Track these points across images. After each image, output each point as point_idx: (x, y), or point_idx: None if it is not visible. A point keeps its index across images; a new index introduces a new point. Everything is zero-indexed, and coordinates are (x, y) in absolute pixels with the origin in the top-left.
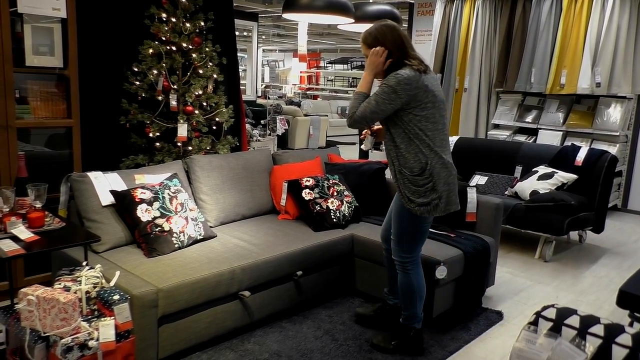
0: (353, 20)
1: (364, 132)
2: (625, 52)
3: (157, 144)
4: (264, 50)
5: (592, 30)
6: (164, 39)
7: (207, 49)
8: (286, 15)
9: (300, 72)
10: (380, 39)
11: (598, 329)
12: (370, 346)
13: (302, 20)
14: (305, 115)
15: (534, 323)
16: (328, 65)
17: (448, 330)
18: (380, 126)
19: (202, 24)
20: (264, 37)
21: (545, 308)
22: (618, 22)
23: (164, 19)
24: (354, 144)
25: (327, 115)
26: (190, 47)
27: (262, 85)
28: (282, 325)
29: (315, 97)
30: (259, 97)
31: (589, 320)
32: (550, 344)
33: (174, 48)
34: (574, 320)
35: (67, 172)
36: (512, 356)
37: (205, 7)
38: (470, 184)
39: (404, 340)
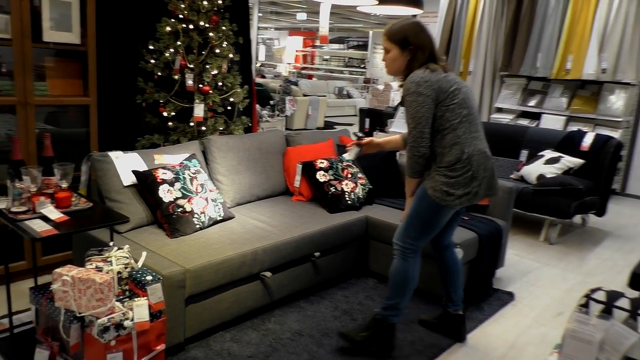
0: (377, 2)
1: (350, 143)
2: (632, 38)
3: (170, 123)
4: (259, 28)
5: (601, 16)
6: (181, 16)
7: (223, 28)
8: None
9: (296, 51)
10: (411, 40)
11: None
12: (338, 335)
13: (326, 1)
14: (304, 95)
15: (585, 305)
16: (324, 44)
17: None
18: (369, 139)
19: (220, 2)
20: (260, 14)
21: (593, 291)
22: (627, 9)
23: None
24: (351, 124)
25: (325, 96)
26: (207, 25)
27: (257, 64)
28: (300, 305)
29: (310, 77)
30: (256, 76)
31: (638, 303)
32: (603, 325)
33: (191, 26)
34: (624, 303)
35: (82, 150)
36: (566, 337)
37: None
38: None
39: (375, 333)
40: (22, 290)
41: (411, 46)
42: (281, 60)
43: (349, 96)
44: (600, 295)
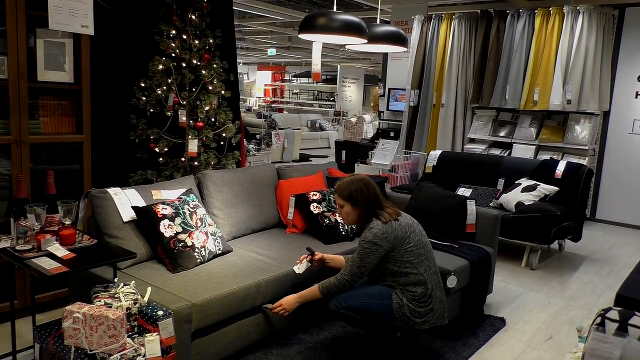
0: (366, 41)
1: (301, 257)
2: (592, 71)
3: (161, 159)
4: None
5: (563, 51)
6: (173, 55)
7: (214, 66)
8: (302, 36)
9: (265, 85)
10: (358, 197)
11: None
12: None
13: (318, 40)
14: (279, 128)
15: (601, 324)
16: (293, 78)
17: (459, 336)
18: (320, 256)
19: (211, 41)
20: None
21: (606, 310)
22: (586, 44)
23: (172, 36)
24: (326, 156)
25: (299, 129)
26: (198, 63)
27: None
28: (300, 337)
29: (280, 110)
30: None
31: None
32: (620, 342)
33: (183, 64)
34: (637, 320)
35: (74, 187)
36: (586, 355)
37: (211, 25)
38: (469, 197)
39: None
40: (16, 329)
41: (360, 201)
42: (251, 94)
43: (321, 129)
44: (614, 315)
